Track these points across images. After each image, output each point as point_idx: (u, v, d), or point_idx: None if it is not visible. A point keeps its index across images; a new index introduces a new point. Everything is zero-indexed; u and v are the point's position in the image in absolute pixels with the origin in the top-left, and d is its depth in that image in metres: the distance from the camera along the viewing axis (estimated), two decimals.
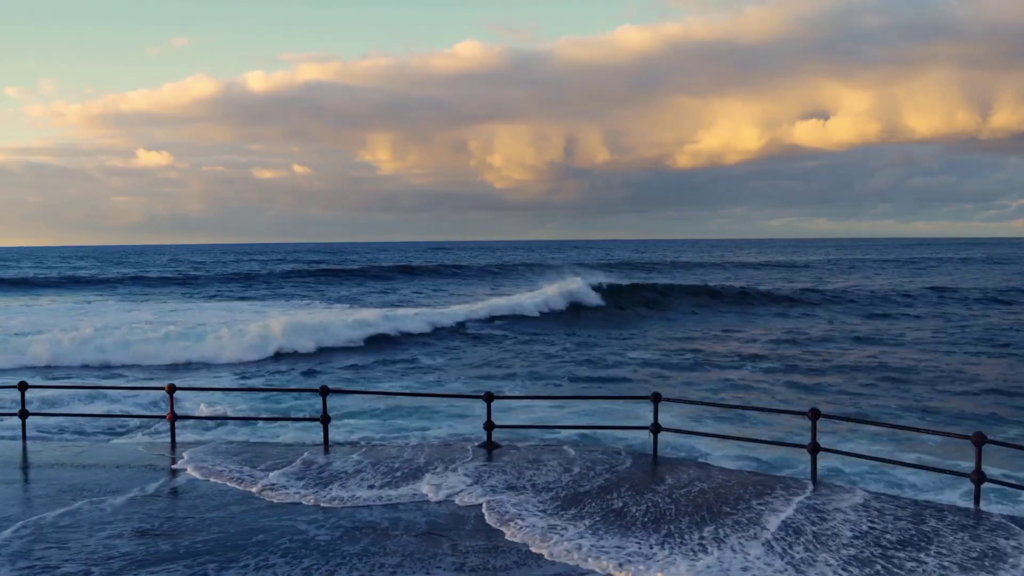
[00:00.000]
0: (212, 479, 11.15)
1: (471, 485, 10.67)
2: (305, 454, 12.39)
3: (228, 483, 10.95)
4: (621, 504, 9.78)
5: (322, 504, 9.99)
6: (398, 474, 11.25)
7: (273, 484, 10.82)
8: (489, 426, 12.72)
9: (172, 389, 13.58)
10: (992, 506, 10.93)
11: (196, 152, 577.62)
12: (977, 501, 9.86)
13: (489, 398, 12.71)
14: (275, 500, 10.19)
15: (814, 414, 10.93)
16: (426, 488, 10.54)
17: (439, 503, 10.01)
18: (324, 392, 13.16)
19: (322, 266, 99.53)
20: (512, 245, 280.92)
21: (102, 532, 8.93)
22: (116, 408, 19.26)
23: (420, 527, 9.10)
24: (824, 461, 12.26)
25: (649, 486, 10.56)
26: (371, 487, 10.68)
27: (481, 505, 9.84)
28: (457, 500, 10.10)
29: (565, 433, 16.52)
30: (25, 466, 12.24)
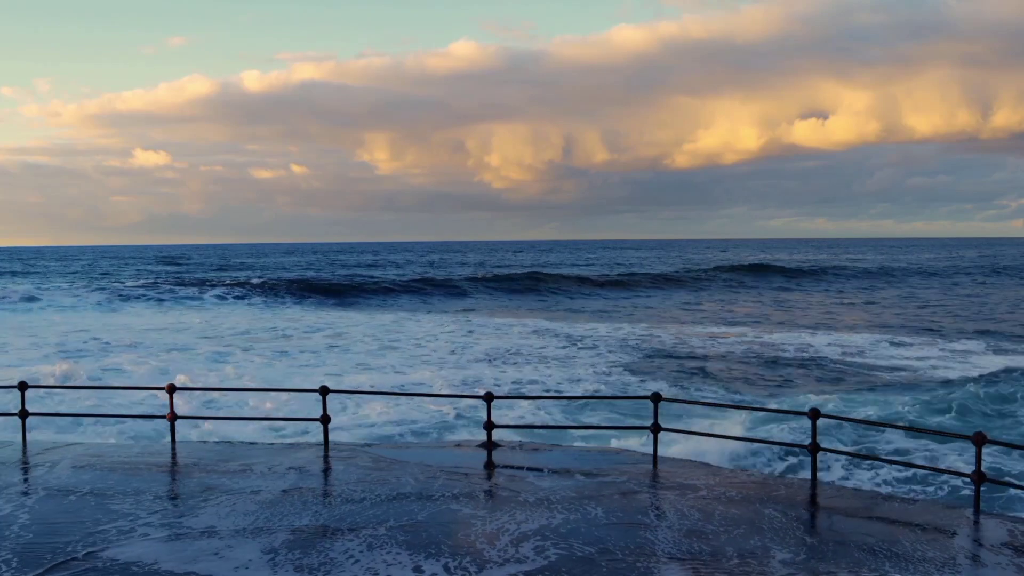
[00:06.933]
0: None
1: None
2: None
3: None
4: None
5: None
6: None
7: None
8: (489, 426, 12.74)
9: (172, 389, 13.58)
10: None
11: (193, 152, 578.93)
12: (977, 501, 9.84)
13: (489, 398, 12.72)
14: None
15: (814, 414, 10.93)
16: None
17: None
18: (324, 392, 13.15)
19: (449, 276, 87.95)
20: (513, 245, 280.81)
21: None
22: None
23: None
24: None
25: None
26: None
27: None
28: None
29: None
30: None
